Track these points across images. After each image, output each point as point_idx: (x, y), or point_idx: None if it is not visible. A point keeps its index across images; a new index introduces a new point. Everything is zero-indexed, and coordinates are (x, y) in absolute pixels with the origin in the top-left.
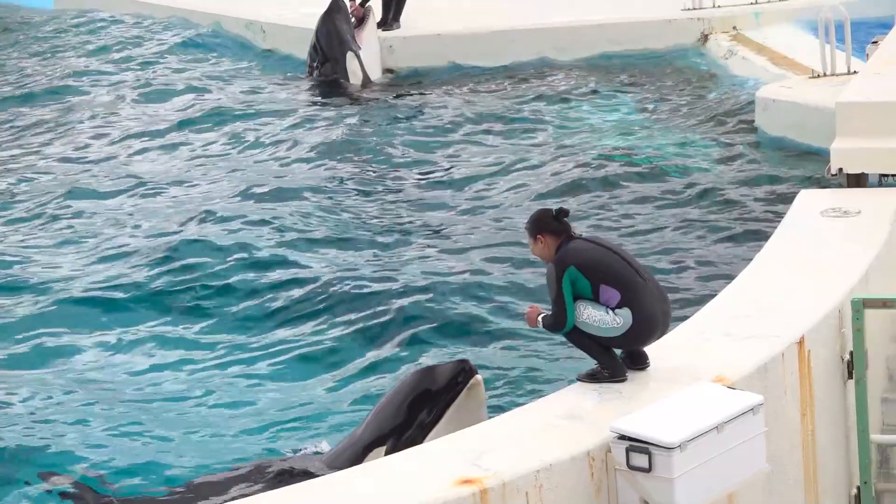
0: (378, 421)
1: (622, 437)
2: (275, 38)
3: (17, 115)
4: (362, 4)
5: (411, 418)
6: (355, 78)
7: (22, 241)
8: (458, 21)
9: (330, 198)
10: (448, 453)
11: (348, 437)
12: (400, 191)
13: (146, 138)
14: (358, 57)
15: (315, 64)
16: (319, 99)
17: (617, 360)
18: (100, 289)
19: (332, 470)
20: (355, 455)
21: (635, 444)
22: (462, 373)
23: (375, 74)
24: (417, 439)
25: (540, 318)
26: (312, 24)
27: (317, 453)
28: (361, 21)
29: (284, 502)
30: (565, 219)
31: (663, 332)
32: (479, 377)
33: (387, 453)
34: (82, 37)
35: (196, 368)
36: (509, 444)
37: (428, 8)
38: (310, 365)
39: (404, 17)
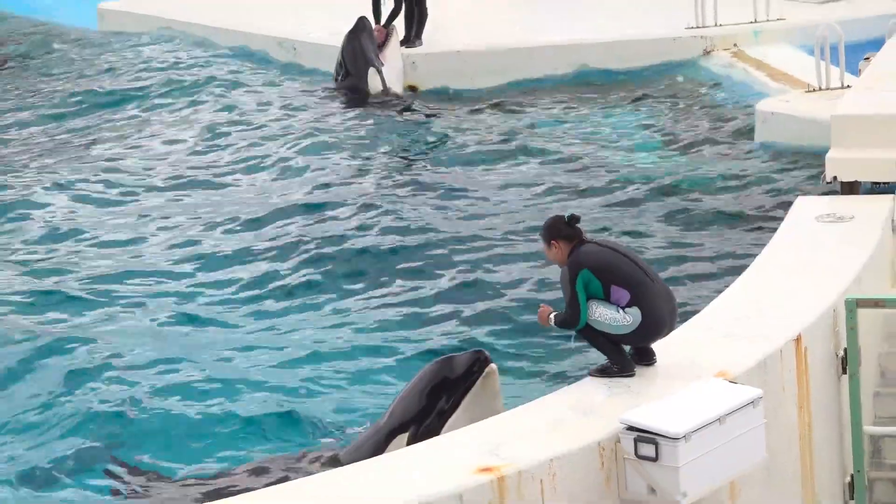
0: (399, 410)
1: (631, 429)
2: (306, 56)
3: (56, 129)
4: (385, 26)
5: (430, 406)
6: (376, 92)
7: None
8: (478, 38)
9: (350, 206)
10: (467, 444)
11: (372, 427)
12: (418, 199)
13: (175, 150)
14: (380, 72)
15: (339, 78)
16: (344, 113)
17: (626, 356)
18: (135, 291)
19: (357, 458)
20: (378, 443)
21: (643, 435)
22: (478, 362)
23: (398, 90)
24: (437, 426)
25: (551, 317)
26: (340, 41)
27: (343, 444)
28: (384, 42)
29: (311, 491)
30: (577, 224)
31: (670, 330)
32: (493, 366)
33: (408, 441)
34: (123, 56)
35: (225, 361)
36: (524, 435)
37: (450, 25)
38: (333, 362)
39: (428, 34)
